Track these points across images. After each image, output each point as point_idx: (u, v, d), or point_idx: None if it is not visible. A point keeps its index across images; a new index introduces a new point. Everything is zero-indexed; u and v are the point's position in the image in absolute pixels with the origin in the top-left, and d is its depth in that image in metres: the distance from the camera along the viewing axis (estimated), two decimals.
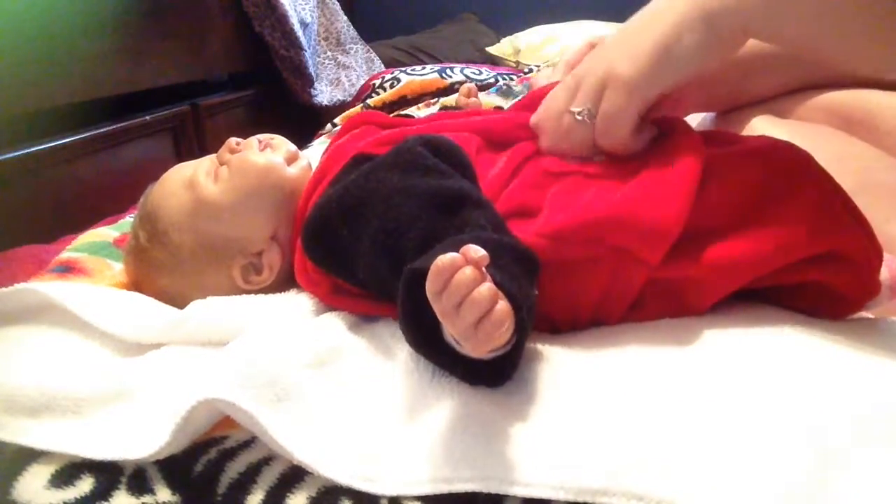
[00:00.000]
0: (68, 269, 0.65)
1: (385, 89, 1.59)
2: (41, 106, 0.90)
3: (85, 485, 0.42)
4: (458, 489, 0.38)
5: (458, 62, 1.87)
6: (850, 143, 0.65)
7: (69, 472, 0.42)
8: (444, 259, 0.37)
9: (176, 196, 0.61)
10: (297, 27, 1.53)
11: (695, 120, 0.82)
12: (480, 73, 1.66)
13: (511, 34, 2.19)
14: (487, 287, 0.37)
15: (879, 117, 0.60)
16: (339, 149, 0.62)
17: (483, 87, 1.52)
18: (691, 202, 0.49)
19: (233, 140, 0.63)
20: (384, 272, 0.49)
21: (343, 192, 0.52)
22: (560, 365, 0.47)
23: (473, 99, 0.79)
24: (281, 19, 1.49)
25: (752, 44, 0.54)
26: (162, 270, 0.61)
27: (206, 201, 0.60)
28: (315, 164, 0.64)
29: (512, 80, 1.58)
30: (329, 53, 1.82)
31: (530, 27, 2.16)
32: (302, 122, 1.62)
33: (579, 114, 0.54)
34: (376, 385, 0.47)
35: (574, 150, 0.55)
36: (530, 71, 1.66)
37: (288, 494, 0.40)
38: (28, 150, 0.88)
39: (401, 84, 1.58)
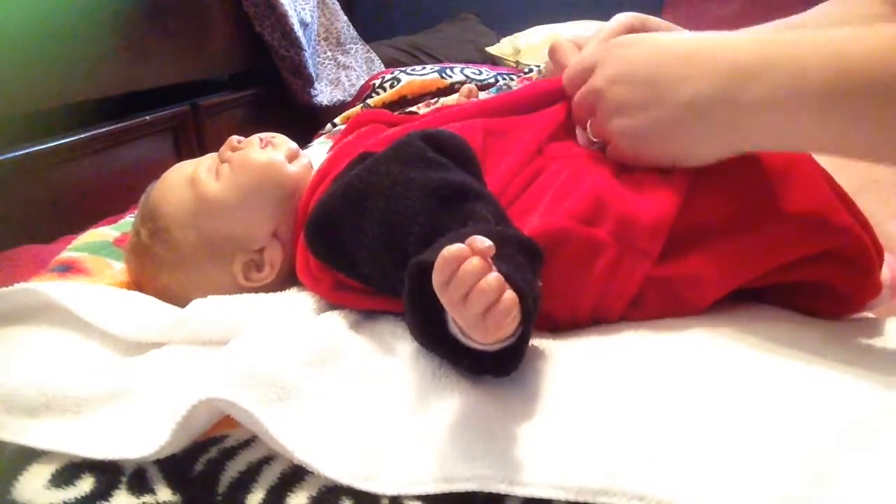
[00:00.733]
0: (68, 268, 0.65)
1: (385, 89, 1.58)
2: (41, 106, 0.90)
3: (85, 484, 0.42)
4: (459, 488, 0.38)
5: (458, 62, 1.86)
6: None
7: (69, 471, 0.42)
8: (451, 250, 0.37)
9: (177, 193, 0.61)
10: (297, 27, 1.52)
11: None
12: (480, 73, 1.66)
13: (511, 34, 2.18)
14: (494, 276, 0.37)
15: None
16: (345, 147, 0.63)
17: (483, 87, 1.52)
18: (686, 188, 0.50)
19: (234, 138, 0.63)
20: (387, 266, 0.49)
21: (345, 187, 0.52)
22: (561, 365, 0.47)
23: (474, 99, 0.80)
24: (281, 19, 1.49)
25: None
26: (163, 268, 0.61)
27: (208, 198, 0.60)
28: (316, 163, 0.64)
29: (512, 79, 1.58)
30: (329, 53, 1.82)
31: (530, 27, 2.16)
32: (302, 122, 1.61)
33: (594, 144, 0.57)
34: (377, 384, 0.47)
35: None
36: (530, 71, 1.66)
37: (288, 494, 0.40)
38: (28, 150, 0.88)
39: (401, 84, 1.57)
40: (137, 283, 0.63)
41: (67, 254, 0.69)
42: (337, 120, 1.48)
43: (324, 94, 1.67)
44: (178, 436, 0.42)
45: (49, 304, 0.52)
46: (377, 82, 1.63)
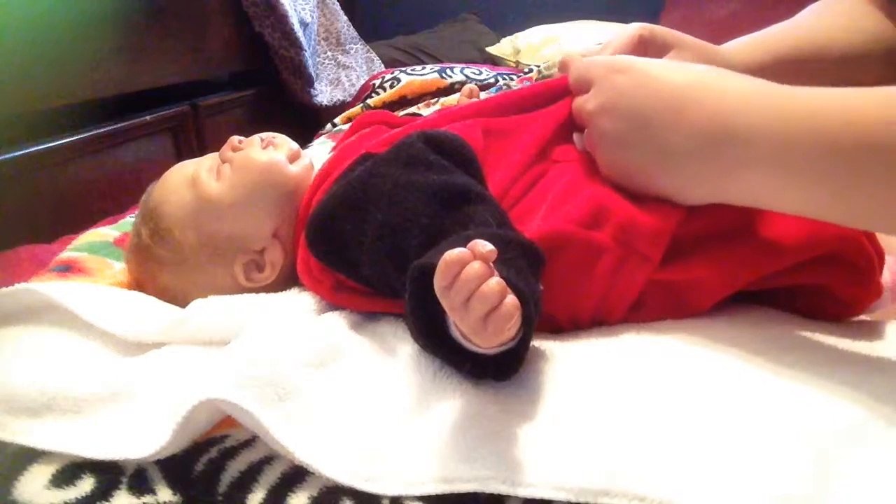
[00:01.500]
0: (68, 268, 0.65)
1: (385, 89, 1.59)
2: (41, 106, 0.90)
3: (86, 485, 0.42)
4: (460, 489, 0.38)
5: (458, 62, 1.86)
6: None
7: (70, 471, 0.42)
8: (453, 254, 0.37)
9: (178, 194, 0.61)
10: (296, 27, 1.52)
11: None
12: (480, 73, 1.66)
13: (511, 34, 2.19)
14: (496, 281, 0.37)
15: None
16: (347, 148, 0.63)
17: (483, 87, 1.52)
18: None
19: (235, 138, 0.63)
20: (388, 267, 0.49)
21: (347, 188, 0.52)
22: (562, 365, 0.47)
23: (475, 100, 0.79)
24: (281, 19, 1.49)
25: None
26: (164, 268, 0.61)
27: (209, 199, 0.60)
28: (317, 163, 0.64)
29: (512, 79, 1.58)
30: (329, 53, 1.82)
31: (530, 27, 2.16)
32: (302, 122, 1.61)
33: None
34: (378, 385, 0.47)
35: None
36: (530, 71, 1.66)
37: (289, 494, 0.40)
38: (28, 150, 0.88)
39: (401, 84, 1.57)
40: (138, 283, 0.63)
41: (67, 254, 0.69)
42: (337, 120, 1.48)
43: (324, 94, 1.67)
44: (178, 436, 0.42)
45: (49, 304, 0.52)
46: (377, 82, 1.63)
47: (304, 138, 1.39)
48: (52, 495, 0.41)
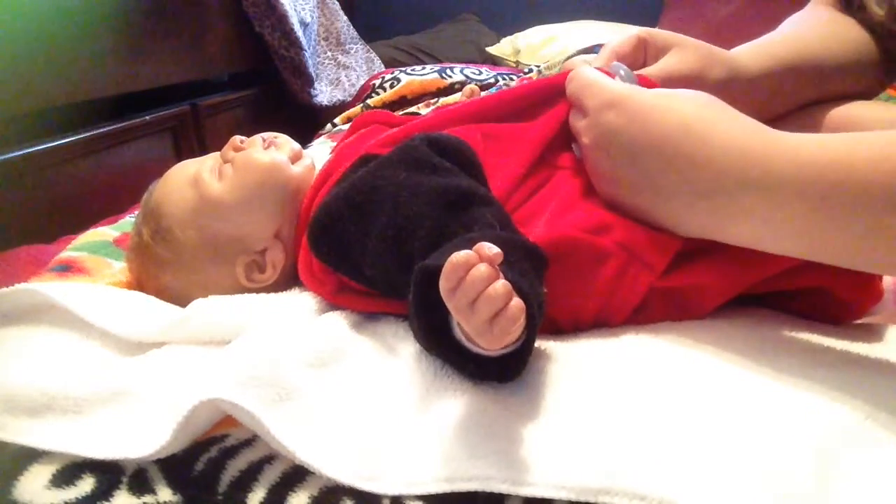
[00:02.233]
0: (68, 268, 0.65)
1: (385, 89, 1.59)
2: (41, 106, 0.90)
3: (86, 484, 0.42)
4: (461, 488, 0.38)
5: (458, 62, 1.86)
6: None
7: (70, 471, 0.42)
8: (459, 256, 0.37)
9: (180, 193, 0.61)
10: (297, 27, 1.52)
11: None
12: (480, 73, 1.66)
13: (511, 34, 2.19)
14: (502, 283, 0.37)
15: (859, 126, 0.61)
16: (346, 148, 0.62)
17: (483, 87, 1.52)
18: None
19: (237, 138, 0.63)
20: (392, 269, 0.49)
21: (350, 190, 0.52)
22: (562, 365, 0.47)
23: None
24: (281, 19, 1.49)
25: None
26: (165, 268, 0.61)
27: (211, 199, 0.60)
28: (318, 163, 0.64)
29: (512, 80, 1.58)
30: (329, 53, 1.82)
31: (530, 27, 2.16)
32: (302, 122, 1.61)
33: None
34: (378, 385, 0.47)
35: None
36: (530, 71, 1.66)
37: (289, 493, 0.40)
38: (28, 150, 0.88)
39: (401, 84, 1.58)
40: (139, 283, 0.63)
41: (67, 253, 0.68)
42: (337, 120, 1.48)
43: (324, 94, 1.67)
44: (178, 436, 0.42)
45: (49, 304, 0.52)
46: (377, 82, 1.63)
47: (304, 138, 1.39)
48: (53, 495, 0.41)
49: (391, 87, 1.58)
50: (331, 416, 0.44)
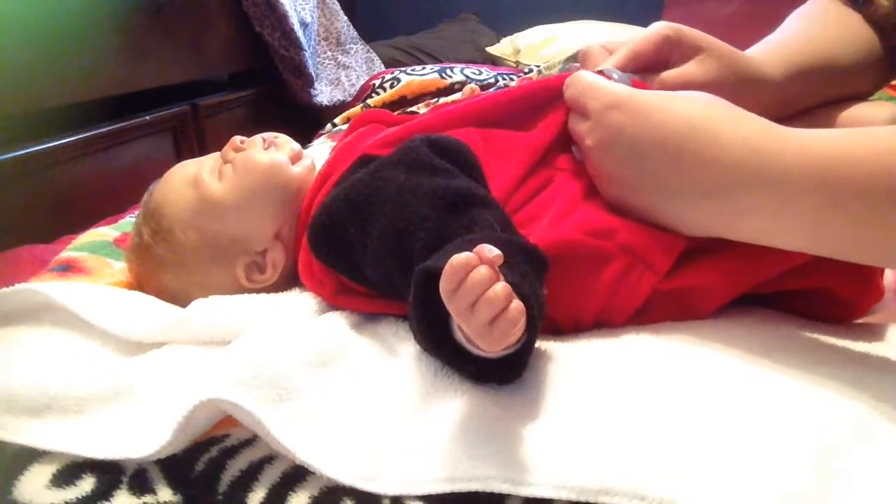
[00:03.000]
0: (68, 268, 0.65)
1: (385, 89, 1.58)
2: (41, 106, 0.90)
3: (86, 484, 0.42)
4: (461, 488, 0.38)
5: (458, 62, 1.86)
6: None
7: (70, 471, 0.42)
8: (459, 258, 0.37)
9: (180, 194, 0.61)
10: (297, 27, 1.52)
11: None
12: (480, 73, 1.66)
13: (511, 34, 2.18)
14: (502, 286, 0.37)
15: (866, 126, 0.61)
16: (345, 148, 0.62)
17: (483, 87, 1.52)
18: None
19: (237, 138, 0.63)
20: (392, 271, 0.49)
21: (350, 191, 0.52)
22: (563, 365, 0.47)
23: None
24: (281, 19, 1.49)
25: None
26: (165, 268, 0.61)
27: (211, 199, 0.60)
28: (318, 163, 0.64)
29: (512, 80, 1.58)
30: (329, 53, 1.82)
31: (530, 27, 2.16)
32: (302, 122, 1.61)
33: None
34: (378, 385, 0.47)
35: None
36: (530, 71, 1.65)
37: (290, 493, 0.40)
38: (28, 150, 0.88)
39: (401, 84, 1.57)
40: (139, 283, 0.63)
41: (67, 253, 0.68)
42: (337, 120, 1.48)
43: (324, 94, 1.67)
44: (179, 436, 0.42)
45: (50, 304, 0.52)
46: (377, 82, 1.63)
47: (304, 138, 1.39)
48: (53, 495, 0.41)
49: (391, 87, 1.58)
50: (331, 416, 0.44)
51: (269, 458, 0.42)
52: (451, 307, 0.38)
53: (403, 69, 1.68)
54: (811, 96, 0.64)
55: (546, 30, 2.11)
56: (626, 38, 0.61)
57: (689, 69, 0.57)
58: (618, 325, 0.52)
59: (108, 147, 1.04)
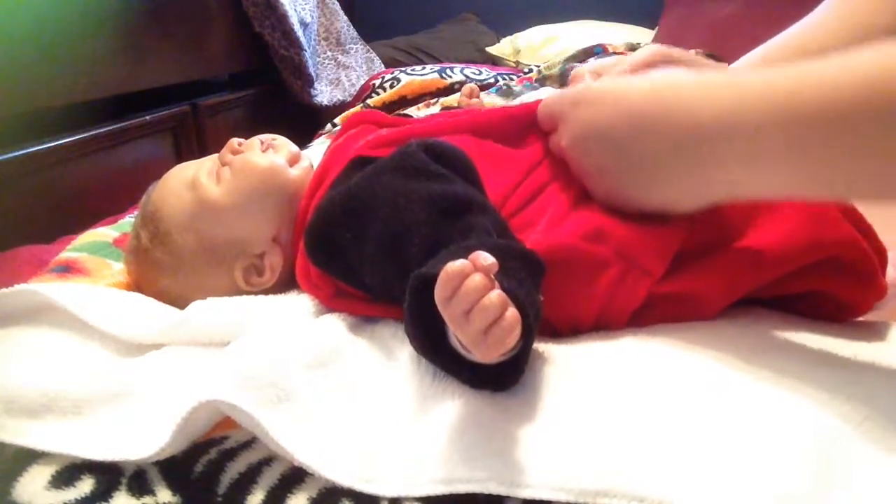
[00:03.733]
0: (68, 268, 0.65)
1: (385, 89, 1.58)
2: (41, 106, 0.90)
3: (85, 485, 0.42)
4: (459, 490, 0.38)
5: (458, 62, 1.86)
6: None
7: (69, 472, 0.42)
8: (454, 266, 0.37)
9: (178, 197, 0.61)
10: (297, 27, 1.53)
11: None
12: (480, 73, 1.66)
13: (511, 34, 2.19)
14: (497, 294, 0.37)
15: None
16: (338, 149, 0.62)
17: (483, 87, 1.52)
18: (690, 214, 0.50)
19: (235, 141, 0.63)
20: (389, 276, 0.49)
21: (345, 196, 0.52)
22: (561, 367, 0.47)
23: (475, 99, 0.79)
24: (281, 19, 1.49)
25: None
26: (163, 271, 0.61)
27: (209, 202, 0.60)
28: (316, 165, 0.64)
29: (512, 80, 1.58)
30: (329, 53, 1.82)
31: (530, 27, 2.16)
32: (302, 122, 1.62)
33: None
34: (377, 386, 0.47)
35: None
36: (530, 71, 1.65)
37: (288, 495, 0.40)
38: (28, 150, 0.88)
39: (401, 84, 1.57)
40: (137, 285, 0.63)
41: (67, 254, 0.69)
42: (337, 120, 1.48)
43: (324, 94, 1.67)
44: (178, 437, 0.42)
45: (49, 305, 0.52)
46: (377, 82, 1.63)
47: (304, 138, 1.39)
48: (52, 496, 0.41)
49: (391, 87, 1.58)
50: (329, 417, 0.44)
51: (268, 460, 0.42)
52: (445, 315, 0.38)
53: (403, 69, 1.68)
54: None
55: (546, 30, 2.11)
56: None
57: None
58: (615, 329, 0.52)
59: (108, 147, 1.04)
